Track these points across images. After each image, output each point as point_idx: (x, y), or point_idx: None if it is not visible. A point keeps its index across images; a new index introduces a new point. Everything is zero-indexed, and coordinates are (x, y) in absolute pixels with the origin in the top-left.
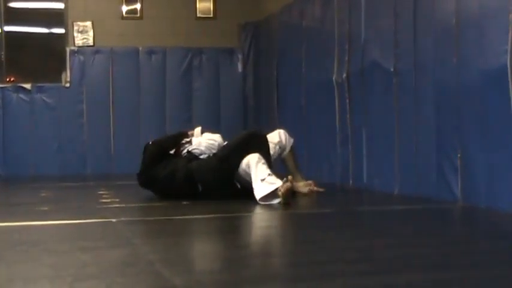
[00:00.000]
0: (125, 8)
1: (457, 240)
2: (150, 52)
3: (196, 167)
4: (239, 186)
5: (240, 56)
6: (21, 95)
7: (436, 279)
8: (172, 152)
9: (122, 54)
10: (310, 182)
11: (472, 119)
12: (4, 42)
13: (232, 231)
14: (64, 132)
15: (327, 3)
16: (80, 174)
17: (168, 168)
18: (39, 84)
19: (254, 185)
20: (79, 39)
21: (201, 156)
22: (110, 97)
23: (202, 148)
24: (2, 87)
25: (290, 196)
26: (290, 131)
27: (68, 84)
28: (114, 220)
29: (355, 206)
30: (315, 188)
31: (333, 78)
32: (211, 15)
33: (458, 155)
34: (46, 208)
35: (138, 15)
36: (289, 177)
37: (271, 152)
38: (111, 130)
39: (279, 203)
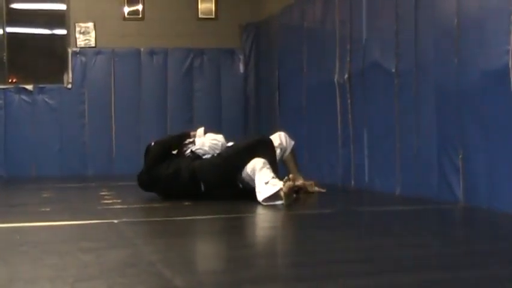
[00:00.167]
0: (126, 9)
1: (458, 240)
2: (152, 53)
3: (199, 166)
4: (241, 186)
5: (241, 57)
6: (23, 96)
7: (437, 280)
8: (174, 152)
9: (124, 55)
10: (311, 182)
11: (473, 120)
12: (6, 43)
13: (234, 232)
14: (66, 133)
15: (328, 4)
16: (82, 175)
17: (172, 168)
18: (41, 85)
19: (257, 188)
20: (81, 40)
21: (205, 157)
22: (111, 98)
23: (206, 148)
24: (4, 88)
25: (293, 196)
26: (291, 132)
27: (69, 85)
28: (115, 221)
29: (357, 206)
30: (317, 188)
31: (334, 79)
32: (213, 16)
33: (460, 156)
34: (48, 209)
35: (140, 16)
36: (291, 175)
37: None
38: (113, 131)
39: (282, 204)
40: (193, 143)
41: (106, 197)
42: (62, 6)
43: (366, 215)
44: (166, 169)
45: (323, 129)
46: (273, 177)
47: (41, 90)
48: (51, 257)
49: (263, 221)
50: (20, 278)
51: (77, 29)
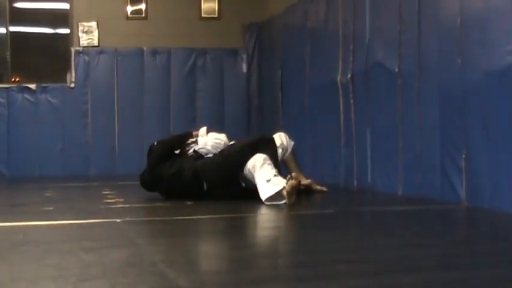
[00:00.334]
0: (129, 9)
1: (459, 240)
2: (155, 52)
3: (201, 165)
4: (244, 185)
5: (244, 57)
6: (26, 95)
7: (437, 280)
8: (177, 152)
9: (127, 55)
10: (310, 181)
11: (477, 120)
12: (9, 43)
13: (237, 232)
14: (68, 132)
15: (331, 4)
16: (84, 174)
17: (174, 168)
18: (43, 85)
19: (259, 186)
20: (84, 40)
21: (207, 156)
22: (114, 97)
23: (209, 148)
24: (7, 88)
25: (295, 195)
26: (294, 132)
27: (72, 85)
28: (118, 220)
29: (359, 206)
30: (318, 187)
31: (337, 79)
32: (216, 16)
33: (463, 156)
34: (50, 208)
35: (143, 15)
36: (293, 174)
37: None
38: (116, 130)
39: (285, 203)
40: (196, 142)
41: (109, 196)
42: (65, 6)
43: (368, 215)
44: (169, 169)
45: (326, 129)
46: (274, 175)
47: (44, 90)
48: (53, 256)
49: (265, 220)
50: (22, 277)
51: (80, 28)
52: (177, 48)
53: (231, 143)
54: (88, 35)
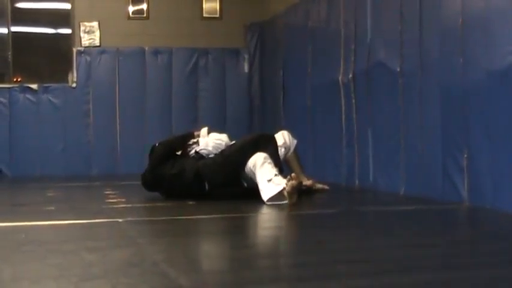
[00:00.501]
0: (131, 8)
1: (461, 240)
2: (156, 52)
3: (202, 166)
4: (246, 185)
5: (245, 56)
6: (28, 95)
7: (438, 280)
8: (179, 153)
9: (128, 55)
10: (310, 181)
11: (478, 119)
12: (11, 43)
13: (238, 232)
14: (70, 132)
15: (332, 4)
16: (86, 174)
17: (176, 168)
18: (45, 85)
19: (260, 186)
20: (85, 40)
21: (209, 156)
22: (116, 97)
23: (210, 148)
24: (8, 88)
25: (297, 195)
26: (296, 132)
27: (74, 85)
28: (120, 220)
29: (361, 206)
30: (320, 186)
31: (339, 79)
32: (218, 16)
33: (464, 155)
34: (52, 208)
35: (145, 15)
36: (293, 174)
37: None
38: (117, 130)
39: (286, 203)
40: (197, 143)
41: (110, 196)
42: (67, 6)
43: (369, 215)
44: (171, 169)
45: (327, 128)
46: (275, 175)
47: (46, 90)
48: (55, 256)
49: (266, 220)
50: (24, 277)
51: (82, 28)
52: (178, 48)
53: (232, 142)
54: (90, 35)
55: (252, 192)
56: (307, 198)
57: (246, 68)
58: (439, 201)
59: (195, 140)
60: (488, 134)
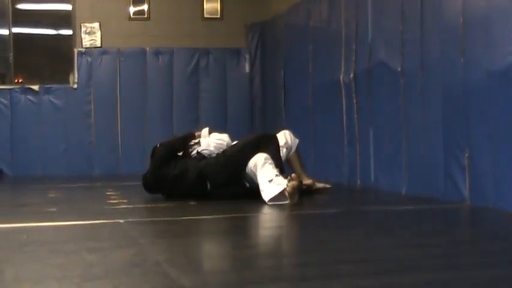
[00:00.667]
0: (132, 9)
1: (462, 240)
2: (157, 53)
3: (204, 165)
4: (248, 185)
5: (247, 57)
6: (29, 96)
7: (439, 280)
8: (180, 153)
9: (129, 55)
10: (311, 181)
11: (479, 119)
12: (12, 44)
13: (240, 232)
14: (71, 133)
15: (333, 3)
16: (88, 174)
17: (178, 169)
18: (46, 86)
19: (262, 186)
20: (86, 41)
21: (211, 156)
22: (117, 98)
23: (211, 149)
24: (10, 89)
25: (298, 195)
26: (297, 131)
27: (75, 86)
28: (121, 221)
29: (362, 206)
30: (321, 185)
31: (340, 79)
32: (218, 16)
33: (466, 155)
34: (54, 209)
35: (146, 16)
36: (293, 175)
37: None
38: (119, 130)
39: (287, 203)
40: (198, 143)
41: (112, 197)
42: (68, 7)
43: (371, 215)
44: (173, 170)
45: (329, 128)
46: (276, 175)
47: (47, 91)
48: (57, 256)
49: (268, 220)
50: (26, 277)
51: (83, 29)
52: (179, 48)
53: (234, 143)
54: (90, 35)
55: (253, 192)
56: (309, 198)
57: (247, 68)
58: (440, 201)
59: (196, 141)
60: (490, 133)
